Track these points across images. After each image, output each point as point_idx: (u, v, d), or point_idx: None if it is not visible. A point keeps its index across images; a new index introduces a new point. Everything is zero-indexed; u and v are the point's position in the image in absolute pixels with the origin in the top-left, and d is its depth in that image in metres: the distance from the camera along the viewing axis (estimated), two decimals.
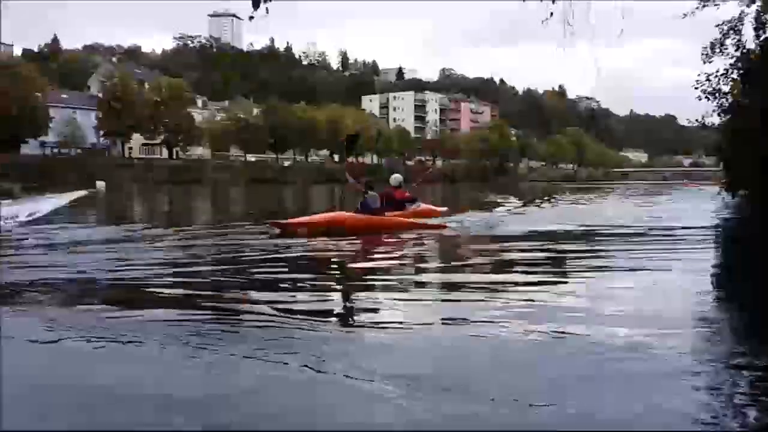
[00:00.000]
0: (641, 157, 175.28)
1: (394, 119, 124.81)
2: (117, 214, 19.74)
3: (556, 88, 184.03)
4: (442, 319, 4.44)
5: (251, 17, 5.29)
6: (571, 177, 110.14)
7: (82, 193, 17.64)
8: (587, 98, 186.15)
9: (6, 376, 3.00)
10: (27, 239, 9.62)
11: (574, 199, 29.14)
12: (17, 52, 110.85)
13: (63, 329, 3.90)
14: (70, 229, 11.19)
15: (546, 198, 28.55)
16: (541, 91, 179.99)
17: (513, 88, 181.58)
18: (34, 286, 5.65)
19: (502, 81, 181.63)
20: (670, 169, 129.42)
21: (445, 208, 15.34)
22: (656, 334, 3.84)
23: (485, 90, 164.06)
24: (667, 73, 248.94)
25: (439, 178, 68.15)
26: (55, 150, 66.35)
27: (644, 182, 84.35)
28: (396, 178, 14.12)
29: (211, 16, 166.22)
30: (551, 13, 5.13)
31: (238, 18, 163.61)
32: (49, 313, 4.42)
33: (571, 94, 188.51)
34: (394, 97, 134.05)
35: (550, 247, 9.27)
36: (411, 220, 12.00)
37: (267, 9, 5.23)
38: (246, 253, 8.29)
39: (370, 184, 11.96)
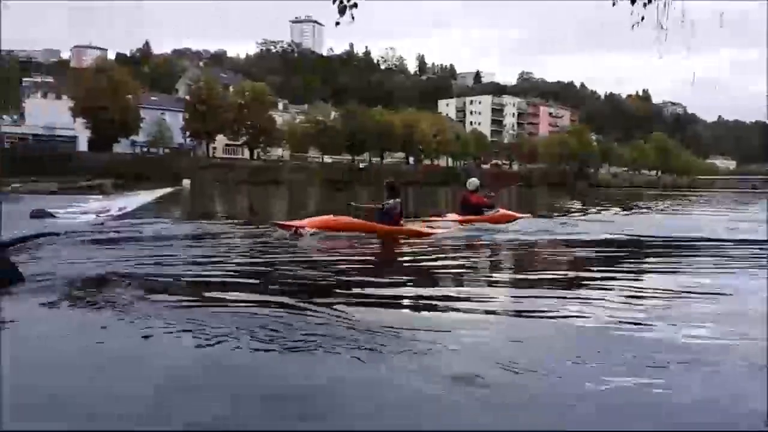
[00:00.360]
0: (729, 164, 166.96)
1: (471, 123, 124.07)
2: (199, 211, 20.66)
3: (640, 93, 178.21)
4: (497, 319, 4.63)
5: (337, 23, 5.43)
6: (653, 183, 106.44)
7: (168, 190, 18.56)
8: (672, 103, 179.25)
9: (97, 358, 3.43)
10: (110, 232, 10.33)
11: (651, 206, 28.30)
12: (111, 56, 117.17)
13: (144, 319, 4.25)
14: (155, 224, 11.87)
15: (618, 204, 27.78)
16: (624, 96, 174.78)
17: (594, 92, 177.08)
18: (119, 277, 6.06)
19: (582, 85, 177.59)
20: (760, 177, 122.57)
21: (527, 214, 14.92)
22: (716, 339, 3.91)
23: (565, 94, 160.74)
24: (757, 79, 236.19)
25: (515, 179, 66.98)
26: (145, 149, 69.83)
27: (732, 190, 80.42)
28: (473, 182, 13.88)
29: (293, 22, 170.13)
30: (642, 18, 5.10)
31: (319, 24, 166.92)
32: (132, 304, 4.75)
33: (656, 99, 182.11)
34: (471, 101, 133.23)
35: (598, 253, 9.19)
36: (420, 229, 11.26)
37: (352, 16, 5.37)
38: (318, 250, 8.67)
39: (392, 191, 11.03)
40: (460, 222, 12.87)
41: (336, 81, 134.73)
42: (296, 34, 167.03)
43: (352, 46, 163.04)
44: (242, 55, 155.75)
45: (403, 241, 10.15)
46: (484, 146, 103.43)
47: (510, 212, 14.50)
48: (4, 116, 61.13)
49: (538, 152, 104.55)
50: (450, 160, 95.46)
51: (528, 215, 14.89)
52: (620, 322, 4.35)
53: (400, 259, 8.76)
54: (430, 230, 11.27)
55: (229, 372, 3.20)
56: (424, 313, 4.80)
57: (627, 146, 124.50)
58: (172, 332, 3.83)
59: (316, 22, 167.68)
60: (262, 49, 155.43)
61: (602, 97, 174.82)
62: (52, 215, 12.43)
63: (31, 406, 2.71)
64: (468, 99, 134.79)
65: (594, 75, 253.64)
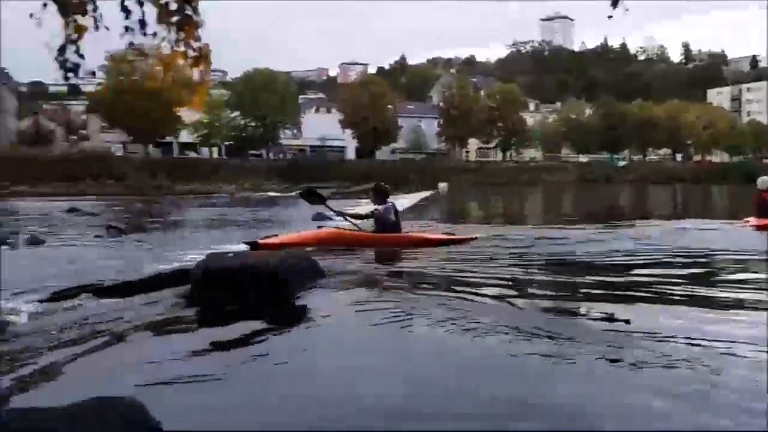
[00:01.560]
0: None
1: (749, 113, 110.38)
2: (456, 213, 21.30)
3: None
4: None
5: (610, 16, 5.32)
6: None
7: (427, 193, 19.40)
8: None
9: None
10: None
11: None
12: (372, 70, 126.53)
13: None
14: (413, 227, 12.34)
15: None
16: None
17: None
18: (393, 274, 6.43)
19: None
20: None
21: None
22: None
23: None
24: None
25: None
26: (403, 155, 74.17)
27: None
28: (764, 180, 11.95)
29: (543, 20, 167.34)
30: None
31: (570, 19, 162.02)
32: (415, 299, 4.94)
33: None
34: (748, 89, 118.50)
35: None
36: (428, 236, 9.65)
37: (626, 7, 5.22)
38: (586, 253, 8.31)
39: (382, 194, 9.58)
40: (761, 227, 11.07)
41: (587, 76, 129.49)
42: (546, 33, 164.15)
43: (606, 39, 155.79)
44: (492, 59, 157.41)
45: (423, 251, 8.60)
46: (765, 138, 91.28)
47: None
48: (286, 130, 69.44)
49: None
50: (726, 155, 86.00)
51: None
52: None
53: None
54: (441, 237, 9.58)
55: (473, 372, 3.16)
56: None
57: None
58: (449, 328, 3.90)
59: (566, 17, 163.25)
60: (512, 51, 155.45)
61: None
62: (330, 218, 13.71)
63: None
64: (744, 86, 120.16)
65: None
